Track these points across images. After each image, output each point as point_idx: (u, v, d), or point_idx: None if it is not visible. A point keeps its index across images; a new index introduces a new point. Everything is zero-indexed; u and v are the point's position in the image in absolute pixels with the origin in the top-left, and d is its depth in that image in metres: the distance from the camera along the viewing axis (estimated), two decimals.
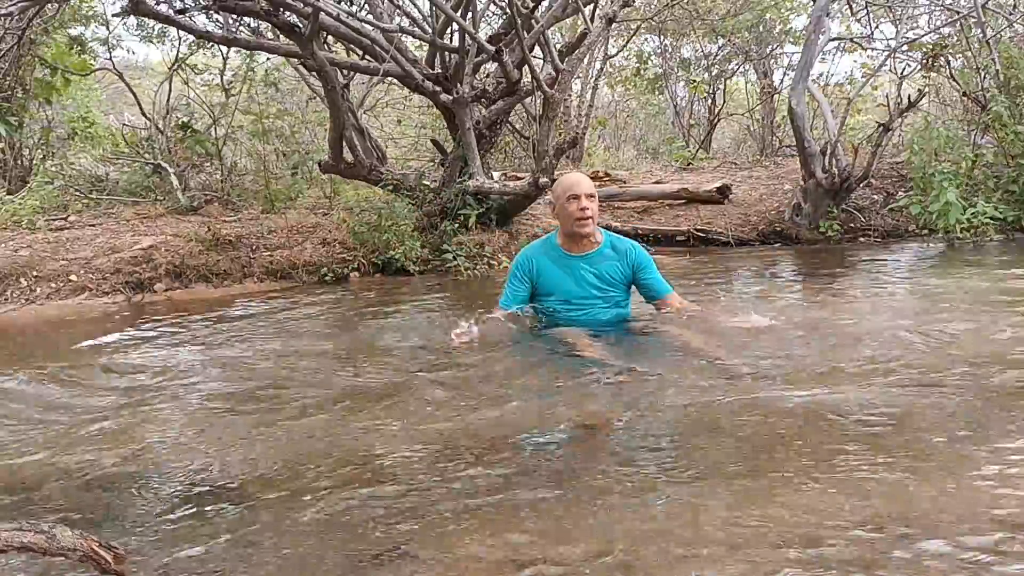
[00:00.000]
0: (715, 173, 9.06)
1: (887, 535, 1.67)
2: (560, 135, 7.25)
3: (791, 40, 10.93)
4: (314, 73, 6.22)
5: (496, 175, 7.25)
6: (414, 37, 6.38)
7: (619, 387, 2.80)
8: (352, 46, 7.05)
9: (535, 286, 3.50)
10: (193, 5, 5.38)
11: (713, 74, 11.70)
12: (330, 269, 5.77)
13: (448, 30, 6.86)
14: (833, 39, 8.34)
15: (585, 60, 7.99)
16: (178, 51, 8.51)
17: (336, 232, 6.21)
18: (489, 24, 8.58)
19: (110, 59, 8.64)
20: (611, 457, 2.18)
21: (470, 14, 6.09)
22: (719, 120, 11.81)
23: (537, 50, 6.30)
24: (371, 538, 1.78)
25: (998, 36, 7.23)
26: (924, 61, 7.82)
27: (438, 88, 6.32)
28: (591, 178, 4.14)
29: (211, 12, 6.14)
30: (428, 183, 6.68)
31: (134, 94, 8.61)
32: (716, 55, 11.64)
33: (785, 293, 4.86)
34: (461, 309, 4.58)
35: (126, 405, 2.85)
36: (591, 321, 3.43)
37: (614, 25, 8.68)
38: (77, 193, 7.57)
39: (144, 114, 8.51)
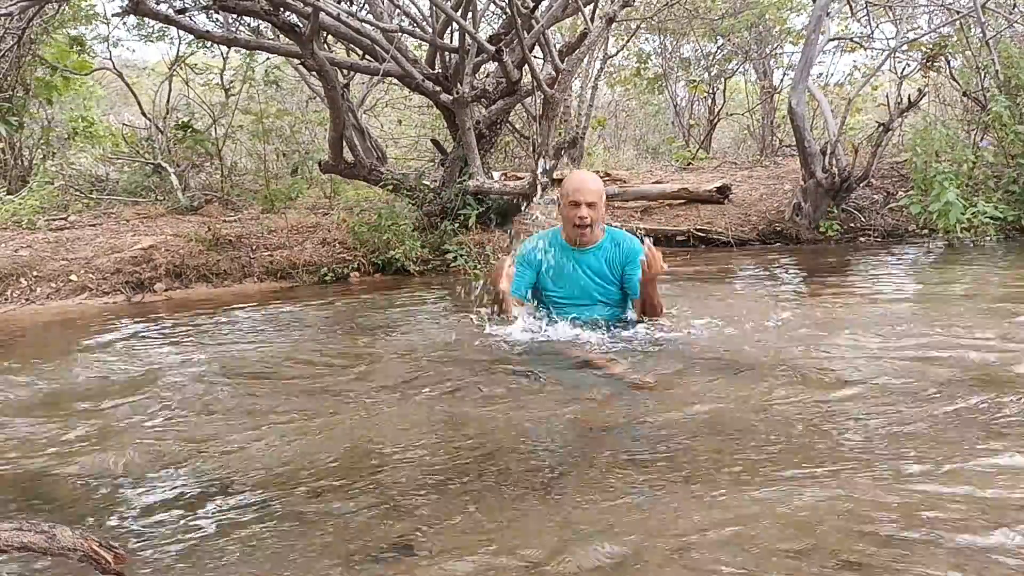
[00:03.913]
0: (715, 173, 9.06)
1: (885, 535, 1.67)
2: (560, 135, 7.25)
3: (791, 40, 10.92)
4: (314, 73, 6.22)
5: (496, 175, 7.25)
6: (414, 37, 6.37)
7: (622, 388, 2.80)
8: (352, 46, 7.05)
9: (538, 275, 3.51)
10: (193, 5, 5.38)
11: (713, 74, 11.69)
12: (330, 269, 5.77)
13: (448, 30, 6.85)
14: (833, 39, 8.34)
15: (585, 60, 7.98)
16: (178, 51, 8.52)
17: (336, 232, 6.21)
18: (489, 24, 8.57)
19: (110, 59, 8.64)
20: (614, 458, 2.18)
21: (470, 14, 6.08)
22: (719, 120, 11.79)
23: (537, 50, 6.29)
24: (372, 537, 1.77)
25: (998, 36, 7.23)
26: (924, 61, 7.82)
27: (438, 88, 6.32)
28: None
29: (211, 12, 6.14)
30: (428, 183, 6.68)
31: (134, 94, 8.61)
32: (716, 55, 11.63)
33: (785, 293, 4.86)
34: (462, 308, 4.58)
35: (126, 405, 2.85)
36: (590, 320, 3.44)
37: (614, 25, 8.67)
38: (77, 193, 7.58)
39: (144, 114, 8.51)
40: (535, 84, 5.71)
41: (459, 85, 6.10)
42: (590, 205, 3.31)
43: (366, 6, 7.04)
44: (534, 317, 3.51)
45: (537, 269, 3.50)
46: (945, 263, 5.59)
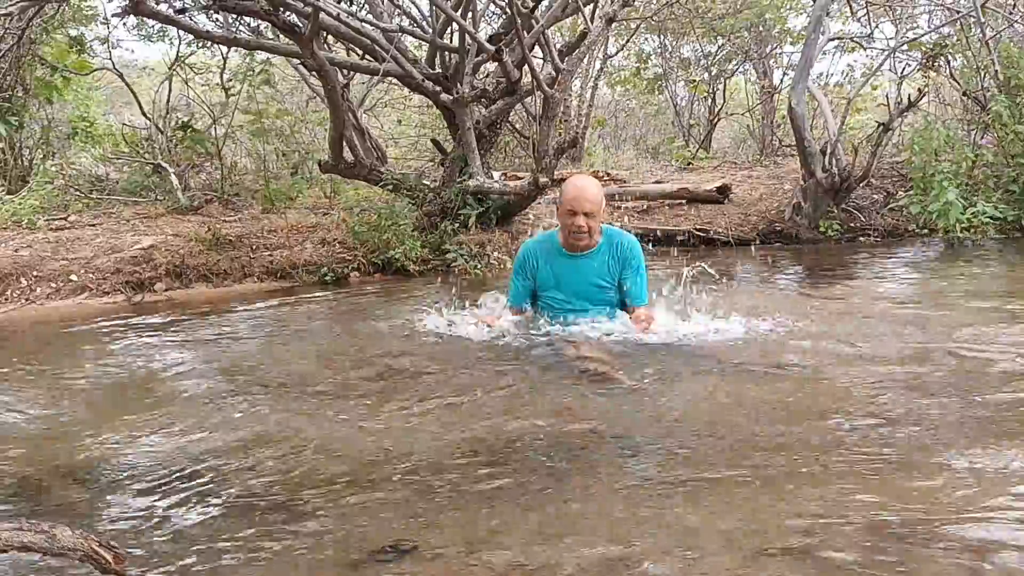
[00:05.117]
0: (715, 173, 9.05)
1: (883, 535, 1.67)
2: (560, 135, 7.25)
3: (791, 40, 10.91)
4: (314, 73, 6.22)
5: (496, 175, 7.25)
6: (414, 37, 6.38)
7: (621, 390, 2.80)
8: (352, 46, 7.05)
9: (535, 281, 3.53)
10: (193, 5, 5.38)
11: (713, 74, 11.68)
12: (330, 269, 5.77)
13: (448, 30, 6.85)
14: (833, 39, 8.34)
15: (585, 60, 7.98)
16: (178, 50, 8.52)
17: (336, 232, 6.20)
18: (489, 24, 8.57)
19: (110, 59, 8.63)
20: (614, 458, 2.19)
21: (470, 14, 6.09)
22: (719, 120, 11.78)
23: (537, 50, 6.29)
24: (373, 537, 1.78)
25: (998, 36, 7.23)
26: (924, 61, 7.82)
27: (438, 88, 6.32)
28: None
29: (211, 12, 6.14)
30: (428, 183, 6.67)
31: (134, 94, 8.60)
32: (716, 55, 11.62)
33: (785, 293, 4.86)
34: (463, 309, 4.58)
35: (126, 405, 2.85)
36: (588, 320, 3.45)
37: (614, 25, 8.67)
38: (77, 193, 7.57)
39: (144, 114, 8.50)
40: (535, 84, 5.71)
41: (459, 85, 6.09)
42: (588, 214, 3.30)
43: (366, 6, 7.04)
44: (533, 321, 3.53)
45: (534, 275, 3.53)
46: (945, 263, 5.59)
